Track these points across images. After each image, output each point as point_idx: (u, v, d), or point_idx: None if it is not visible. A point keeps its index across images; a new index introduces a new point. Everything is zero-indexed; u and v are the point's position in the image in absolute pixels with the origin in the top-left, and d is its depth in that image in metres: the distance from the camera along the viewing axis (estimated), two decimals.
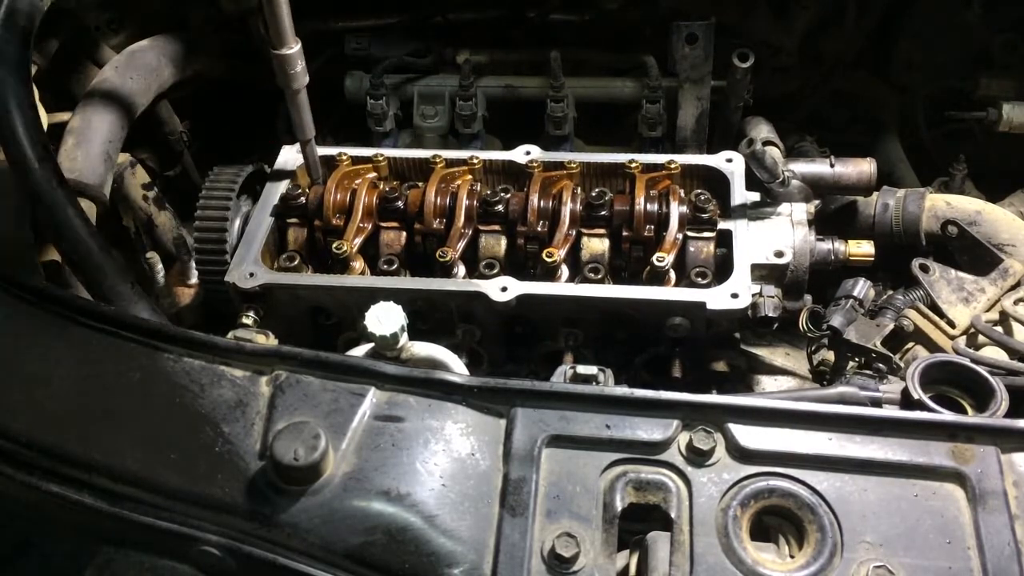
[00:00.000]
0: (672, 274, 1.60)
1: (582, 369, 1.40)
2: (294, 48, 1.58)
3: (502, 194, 1.69)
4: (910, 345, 1.68)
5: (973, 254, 1.81)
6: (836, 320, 1.63)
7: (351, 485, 1.09)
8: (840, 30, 2.25)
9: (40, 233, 1.61)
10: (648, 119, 2.10)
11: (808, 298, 1.72)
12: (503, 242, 1.67)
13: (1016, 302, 1.63)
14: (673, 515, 1.08)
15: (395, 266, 1.66)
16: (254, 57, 2.35)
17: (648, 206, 1.63)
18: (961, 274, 1.74)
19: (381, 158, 1.79)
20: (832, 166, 1.80)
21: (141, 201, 2.05)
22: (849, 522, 1.06)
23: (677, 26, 2.10)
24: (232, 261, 1.65)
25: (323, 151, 1.80)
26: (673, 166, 1.70)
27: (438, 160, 1.76)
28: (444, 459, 1.11)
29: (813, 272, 1.68)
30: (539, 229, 1.65)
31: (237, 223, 1.74)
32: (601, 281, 1.60)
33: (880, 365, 1.58)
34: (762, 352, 1.86)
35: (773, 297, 1.61)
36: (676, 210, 1.62)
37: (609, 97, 2.21)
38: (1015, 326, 1.60)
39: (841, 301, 1.67)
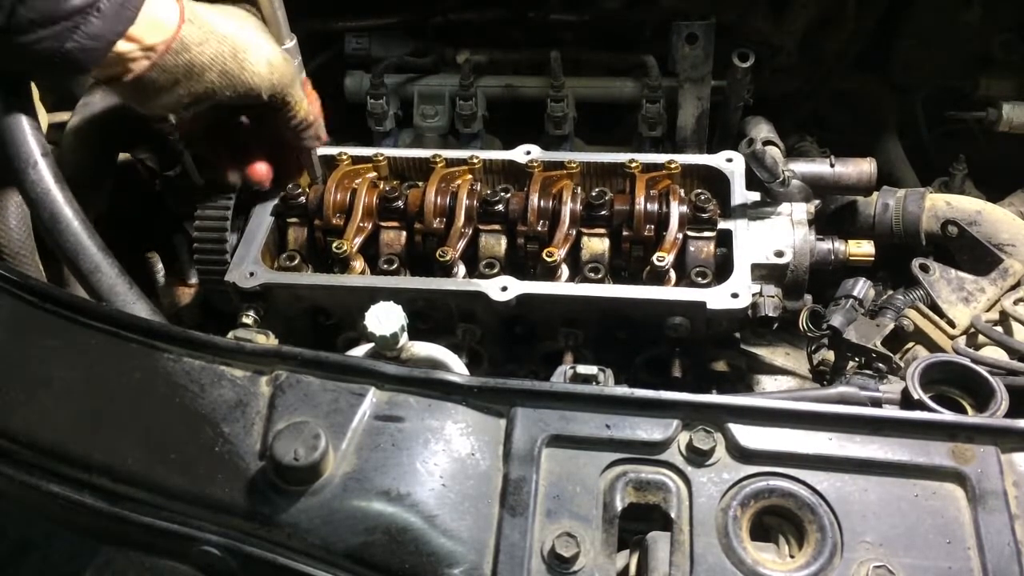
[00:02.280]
0: (672, 274, 1.60)
1: (582, 369, 1.40)
2: (289, 44, 1.59)
3: (502, 194, 1.69)
4: (910, 345, 1.68)
5: (973, 254, 1.81)
6: (836, 320, 1.63)
7: (351, 485, 1.09)
8: (840, 30, 2.25)
9: (40, 233, 1.61)
10: (648, 119, 2.10)
11: (808, 298, 1.72)
12: (503, 242, 1.66)
13: (1016, 302, 1.63)
14: (673, 515, 1.08)
15: (395, 266, 1.65)
16: None
17: (648, 206, 1.63)
18: (961, 274, 1.74)
19: (381, 158, 1.79)
20: (832, 166, 1.80)
21: (140, 200, 2.05)
22: (849, 522, 1.06)
23: (677, 26, 2.10)
24: (232, 261, 1.65)
25: (323, 151, 1.80)
26: (673, 166, 1.70)
27: (438, 160, 1.76)
28: (444, 459, 1.11)
29: (813, 272, 1.68)
30: (539, 229, 1.65)
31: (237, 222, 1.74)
32: (601, 281, 1.60)
33: (880, 365, 1.58)
34: (762, 352, 1.86)
35: (773, 297, 1.61)
36: (676, 210, 1.62)
37: (609, 97, 2.21)
38: (1015, 326, 1.60)
39: (841, 301, 1.67)
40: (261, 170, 1.69)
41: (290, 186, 1.73)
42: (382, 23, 2.29)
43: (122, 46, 1.37)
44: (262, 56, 1.51)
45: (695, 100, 2.14)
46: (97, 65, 1.37)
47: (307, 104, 1.65)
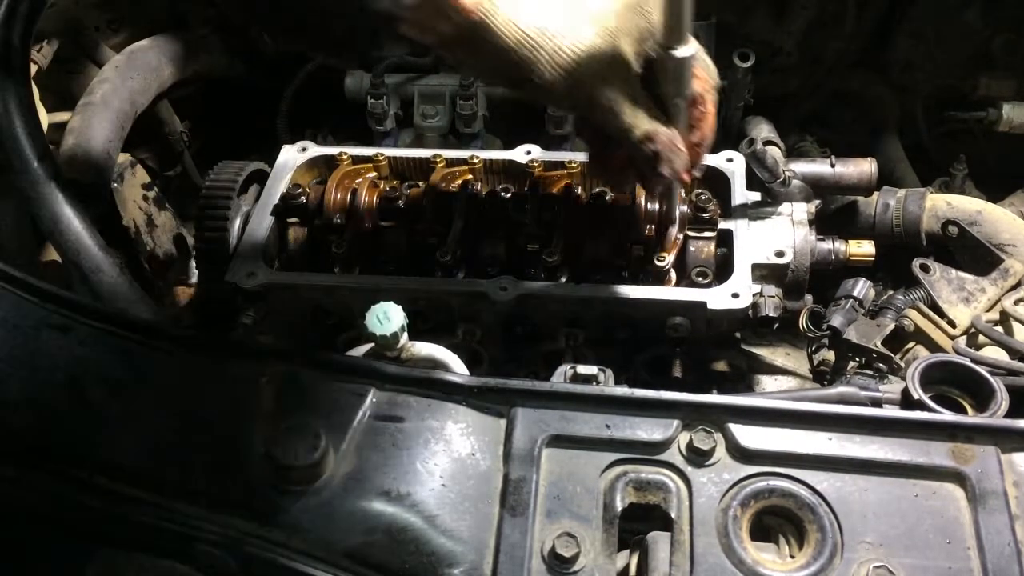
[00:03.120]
0: (673, 274, 1.60)
1: (582, 369, 1.40)
2: (683, 51, 1.23)
3: (503, 194, 1.69)
4: (911, 345, 1.68)
5: (974, 254, 1.81)
6: (836, 320, 1.63)
7: (351, 485, 1.08)
8: (840, 30, 2.25)
9: (41, 233, 1.61)
10: None
11: (808, 298, 1.72)
12: (503, 242, 1.66)
13: (1016, 302, 1.62)
14: (673, 515, 1.08)
15: (395, 266, 1.65)
16: (254, 57, 2.35)
17: (649, 205, 1.63)
18: (962, 274, 1.74)
19: (381, 157, 1.79)
20: (833, 166, 1.80)
21: (141, 201, 2.06)
22: (849, 522, 1.06)
23: None
24: (232, 261, 1.64)
25: (323, 151, 1.80)
26: None
27: (439, 159, 1.76)
28: (444, 459, 1.11)
29: (813, 272, 1.68)
30: (539, 229, 1.65)
31: (237, 222, 1.74)
32: (601, 281, 1.60)
33: (880, 365, 1.58)
34: (762, 352, 1.86)
35: (774, 297, 1.61)
36: (677, 210, 1.62)
37: None
38: (1015, 326, 1.60)
39: (841, 301, 1.67)
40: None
41: (290, 186, 1.73)
42: None
43: None
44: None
45: None
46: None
47: (641, 121, 1.27)
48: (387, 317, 1.34)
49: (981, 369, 1.31)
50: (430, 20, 1.22)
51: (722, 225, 1.64)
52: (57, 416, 1.18)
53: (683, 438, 1.12)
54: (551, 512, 1.08)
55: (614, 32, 1.24)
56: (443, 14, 1.21)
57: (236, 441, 1.13)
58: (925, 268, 1.74)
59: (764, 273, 1.62)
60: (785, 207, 1.70)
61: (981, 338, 1.60)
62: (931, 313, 1.68)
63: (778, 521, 1.11)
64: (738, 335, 1.70)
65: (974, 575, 1.02)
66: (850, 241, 1.71)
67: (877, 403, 1.36)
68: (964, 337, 1.65)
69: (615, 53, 1.24)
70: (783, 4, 2.21)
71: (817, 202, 1.80)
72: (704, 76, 1.32)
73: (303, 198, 1.71)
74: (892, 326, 1.65)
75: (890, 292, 1.78)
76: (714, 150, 1.78)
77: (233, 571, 1.09)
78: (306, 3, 1.20)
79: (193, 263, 1.85)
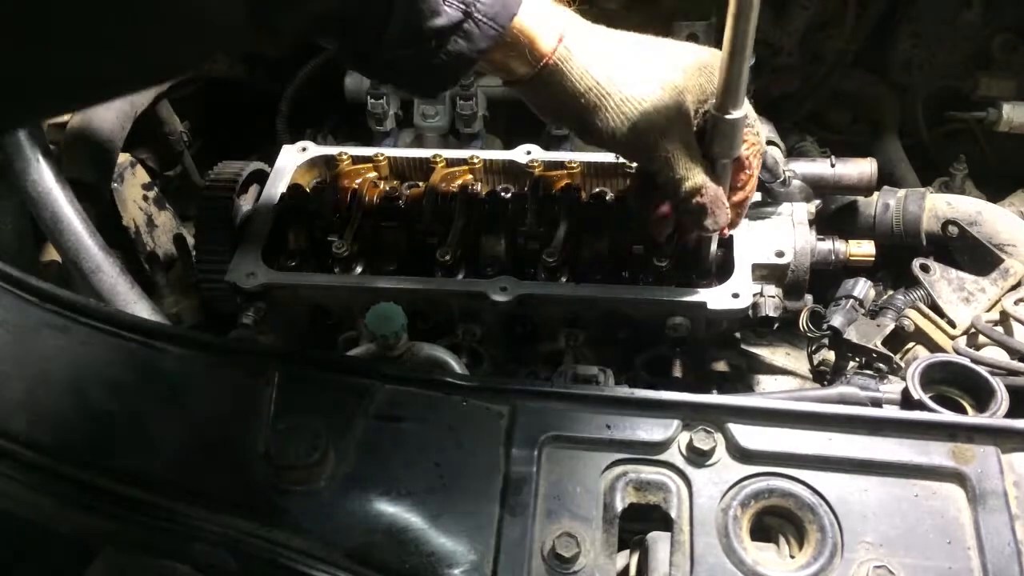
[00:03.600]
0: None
1: (582, 369, 1.40)
2: (735, 114, 1.28)
3: (502, 194, 1.69)
4: (911, 345, 1.68)
5: (974, 254, 1.81)
6: (836, 320, 1.63)
7: (351, 485, 1.09)
8: (840, 30, 2.25)
9: (41, 233, 1.61)
10: None
11: (809, 298, 1.72)
12: (503, 242, 1.66)
13: (1016, 302, 1.62)
14: (673, 515, 1.08)
15: (395, 266, 1.65)
16: (254, 57, 2.35)
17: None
18: (962, 274, 1.74)
19: (381, 158, 1.79)
20: (833, 166, 1.80)
21: (141, 201, 2.06)
22: (849, 522, 1.06)
23: (678, 26, 2.10)
24: (232, 261, 1.64)
25: (323, 151, 1.80)
26: None
27: (438, 160, 1.76)
28: (444, 459, 1.11)
29: (813, 272, 1.68)
30: (539, 229, 1.65)
31: (237, 223, 1.73)
32: (601, 281, 1.60)
33: (881, 365, 1.58)
34: (762, 352, 1.86)
35: (774, 297, 1.61)
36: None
37: None
38: (1015, 326, 1.60)
39: (841, 301, 1.67)
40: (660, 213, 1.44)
41: (290, 186, 1.73)
42: None
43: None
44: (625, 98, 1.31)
45: None
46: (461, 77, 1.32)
47: (695, 175, 1.32)
48: (387, 317, 1.34)
49: (981, 369, 1.31)
50: (505, 61, 1.31)
51: None
52: (57, 417, 1.18)
53: (683, 438, 1.13)
54: (551, 512, 1.08)
55: (680, 88, 1.31)
56: (520, 57, 1.30)
57: (236, 441, 1.13)
58: (925, 268, 1.74)
59: (764, 273, 1.63)
60: (785, 207, 1.70)
61: (981, 338, 1.60)
62: (931, 313, 1.68)
63: (778, 521, 1.11)
64: (738, 335, 1.70)
65: (974, 575, 1.02)
66: (850, 241, 1.71)
67: (877, 403, 1.36)
68: (964, 337, 1.65)
69: (678, 108, 1.31)
70: (783, 4, 2.21)
71: (817, 202, 1.80)
72: (752, 140, 1.39)
73: (303, 198, 1.71)
74: (892, 326, 1.65)
75: (890, 292, 1.78)
76: None
77: (233, 571, 1.09)
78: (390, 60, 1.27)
79: (193, 263, 1.84)
